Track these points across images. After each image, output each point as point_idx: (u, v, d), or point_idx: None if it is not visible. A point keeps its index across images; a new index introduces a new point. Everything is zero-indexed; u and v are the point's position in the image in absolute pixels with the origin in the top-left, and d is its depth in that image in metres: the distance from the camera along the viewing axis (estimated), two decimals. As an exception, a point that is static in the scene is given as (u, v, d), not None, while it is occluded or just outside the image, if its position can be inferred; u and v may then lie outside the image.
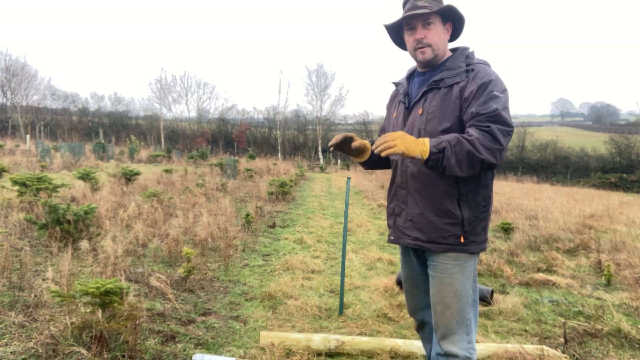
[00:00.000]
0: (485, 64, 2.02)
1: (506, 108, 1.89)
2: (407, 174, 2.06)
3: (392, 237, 2.17)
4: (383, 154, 1.80)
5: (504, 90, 1.92)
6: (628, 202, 15.54)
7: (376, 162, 2.26)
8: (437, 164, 1.80)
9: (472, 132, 1.82)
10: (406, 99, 2.13)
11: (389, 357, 2.98)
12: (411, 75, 2.21)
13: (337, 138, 2.11)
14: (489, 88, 1.89)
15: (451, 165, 1.78)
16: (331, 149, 2.14)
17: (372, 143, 2.22)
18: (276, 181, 11.32)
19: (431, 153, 1.78)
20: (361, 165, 2.30)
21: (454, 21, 2.06)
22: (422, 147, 1.79)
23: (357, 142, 2.11)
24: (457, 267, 1.98)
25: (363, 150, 2.17)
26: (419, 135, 2.00)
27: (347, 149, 2.16)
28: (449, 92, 1.97)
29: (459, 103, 1.94)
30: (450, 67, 2.01)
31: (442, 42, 2.04)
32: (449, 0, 2.08)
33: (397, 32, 2.14)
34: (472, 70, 1.96)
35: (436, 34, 2.01)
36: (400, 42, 2.17)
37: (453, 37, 2.12)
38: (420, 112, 2.03)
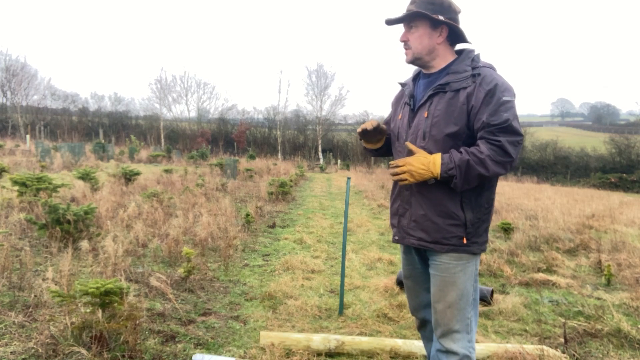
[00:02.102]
0: (491, 67, 2.02)
1: (516, 116, 1.91)
2: None
3: (396, 237, 2.19)
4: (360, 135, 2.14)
5: (513, 95, 1.93)
6: (628, 202, 15.54)
7: (385, 151, 2.35)
8: (448, 183, 1.94)
9: (483, 147, 1.88)
10: (411, 101, 2.14)
11: (389, 357, 2.98)
12: (417, 77, 2.22)
13: (370, 125, 2.16)
14: (497, 94, 1.90)
15: (458, 187, 1.92)
16: (359, 130, 2.21)
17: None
18: (276, 181, 11.31)
19: (441, 177, 1.92)
20: (371, 151, 2.37)
21: (448, 25, 2.03)
22: (430, 174, 1.93)
23: (384, 133, 2.25)
24: (460, 267, 2.00)
25: (382, 139, 2.28)
26: (424, 138, 2.02)
27: (370, 136, 2.24)
28: (455, 97, 1.97)
29: (466, 109, 1.94)
30: (456, 70, 2.02)
31: (425, 46, 2.05)
32: (462, 3, 2.08)
33: None
34: (479, 74, 1.96)
35: (417, 38, 2.04)
36: None
37: (460, 40, 2.10)
38: (425, 115, 2.03)
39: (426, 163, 1.92)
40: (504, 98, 1.89)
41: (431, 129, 2.00)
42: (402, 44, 2.10)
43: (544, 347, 3.03)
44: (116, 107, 47.08)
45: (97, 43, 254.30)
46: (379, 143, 2.28)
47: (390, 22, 2.10)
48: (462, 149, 1.92)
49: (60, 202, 5.60)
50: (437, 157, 1.92)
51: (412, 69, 2.29)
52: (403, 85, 2.29)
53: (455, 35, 2.08)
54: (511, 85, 1.95)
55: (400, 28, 2.14)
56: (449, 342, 2.03)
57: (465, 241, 1.98)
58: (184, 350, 2.89)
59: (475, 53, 2.07)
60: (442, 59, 2.08)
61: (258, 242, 6.22)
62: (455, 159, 1.88)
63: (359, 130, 2.18)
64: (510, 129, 1.86)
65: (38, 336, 2.72)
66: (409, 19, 2.05)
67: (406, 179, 1.96)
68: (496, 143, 1.86)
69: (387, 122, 2.38)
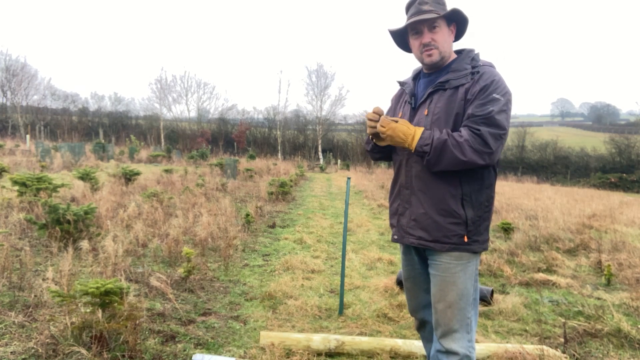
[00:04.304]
0: (491, 65, 2.04)
1: (503, 111, 1.91)
2: (412, 174, 2.08)
3: (395, 237, 2.18)
4: (371, 133, 2.06)
5: (505, 93, 1.94)
6: (628, 202, 15.53)
7: (387, 152, 2.27)
8: (422, 158, 1.98)
9: (464, 132, 1.90)
10: (412, 100, 2.15)
11: (389, 357, 2.98)
12: (417, 76, 2.22)
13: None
14: (489, 90, 1.92)
15: (431, 164, 1.94)
16: (372, 116, 2.07)
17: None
18: (276, 181, 11.31)
19: (415, 150, 1.95)
20: (376, 152, 2.27)
21: (458, 22, 2.08)
22: (407, 145, 1.97)
23: None
24: (460, 267, 2.00)
25: None
26: None
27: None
28: (455, 94, 1.98)
29: (464, 105, 1.96)
30: (456, 68, 2.03)
31: (448, 44, 2.06)
32: (452, 0, 2.09)
33: (401, 36, 2.17)
34: (478, 72, 1.98)
35: (442, 36, 2.03)
36: (404, 45, 2.19)
37: (456, 37, 2.13)
38: (425, 113, 2.04)
39: (408, 134, 1.95)
40: (494, 95, 1.91)
41: (431, 126, 2.00)
42: (422, 46, 2.03)
43: (544, 347, 3.03)
44: (116, 107, 47.13)
45: (97, 43, 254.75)
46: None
47: (423, 22, 2.01)
48: (444, 130, 1.94)
49: (60, 202, 5.60)
50: (419, 132, 1.95)
51: (412, 68, 2.29)
52: (402, 84, 2.28)
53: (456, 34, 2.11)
54: (508, 87, 1.97)
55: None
56: (449, 342, 2.03)
57: (466, 239, 1.98)
58: (184, 350, 2.89)
59: (475, 52, 2.08)
60: (450, 57, 2.10)
61: (258, 242, 6.22)
62: (434, 136, 1.91)
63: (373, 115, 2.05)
64: (493, 121, 1.88)
65: (38, 336, 2.72)
66: (435, 20, 1.99)
67: (385, 133, 1.96)
68: (476, 132, 1.88)
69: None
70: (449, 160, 1.90)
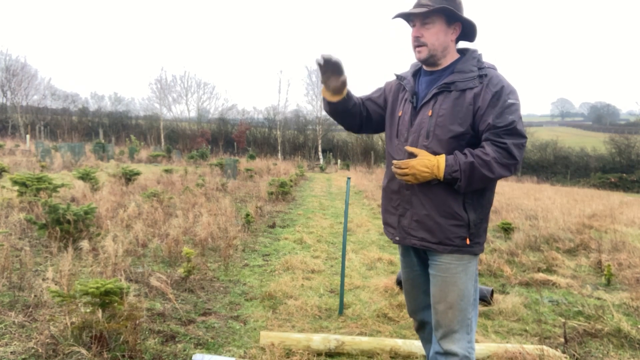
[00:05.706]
0: (494, 68, 2.01)
1: (521, 119, 1.92)
2: None
3: (397, 238, 2.13)
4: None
5: (517, 97, 1.93)
6: (628, 202, 15.53)
7: (341, 110, 2.15)
8: (452, 185, 1.94)
9: (488, 149, 1.88)
10: (414, 99, 2.08)
11: (389, 357, 2.98)
12: (417, 72, 2.15)
13: (332, 57, 1.96)
14: (503, 97, 1.90)
15: (462, 189, 1.92)
16: (322, 58, 1.96)
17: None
18: (276, 181, 11.31)
19: (445, 179, 1.90)
20: (329, 105, 2.15)
21: (462, 22, 2.01)
22: (434, 177, 1.92)
23: (344, 77, 2.03)
24: (461, 267, 1.99)
25: (342, 88, 2.08)
26: (427, 137, 1.98)
27: (330, 76, 2.02)
28: (462, 97, 1.94)
29: (472, 110, 1.93)
30: (461, 70, 1.98)
31: (441, 43, 1.99)
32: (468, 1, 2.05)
33: None
34: (485, 75, 1.94)
35: (434, 34, 1.97)
36: None
37: (467, 38, 2.07)
38: (429, 114, 1.99)
39: (430, 166, 1.90)
40: (510, 101, 1.89)
41: (435, 128, 1.96)
42: (413, 40, 2.01)
43: (544, 347, 3.03)
44: (116, 107, 47.27)
45: (97, 43, 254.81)
46: (337, 95, 2.09)
47: (404, 16, 2.00)
48: (466, 151, 1.90)
49: (60, 202, 5.60)
50: (442, 160, 1.90)
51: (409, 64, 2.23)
52: (401, 79, 2.18)
53: (462, 34, 2.05)
54: (515, 88, 1.95)
55: (401, 25, 2.10)
56: (449, 343, 2.02)
57: (468, 242, 1.97)
58: (184, 350, 2.89)
59: (479, 52, 2.05)
60: (450, 57, 2.04)
61: (258, 242, 6.22)
62: (460, 161, 1.87)
63: (322, 58, 1.94)
64: (515, 132, 1.88)
65: (38, 336, 2.72)
66: (429, 14, 1.95)
67: (409, 180, 1.95)
68: (502, 145, 1.86)
69: (369, 98, 2.27)
70: (479, 181, 1.89)
